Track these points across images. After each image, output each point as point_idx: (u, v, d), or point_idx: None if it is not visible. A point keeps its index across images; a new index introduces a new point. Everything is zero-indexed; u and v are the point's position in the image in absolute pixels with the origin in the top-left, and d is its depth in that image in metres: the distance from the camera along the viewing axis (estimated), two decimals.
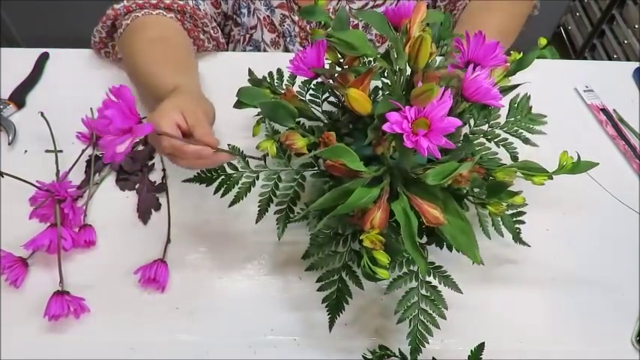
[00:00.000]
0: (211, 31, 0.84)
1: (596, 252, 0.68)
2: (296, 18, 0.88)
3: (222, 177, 0.61)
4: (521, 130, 0.69)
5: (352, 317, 0.60)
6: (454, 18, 0.88)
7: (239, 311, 0.61)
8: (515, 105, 0.70)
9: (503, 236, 0.63)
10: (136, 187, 0.71)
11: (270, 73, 0.71)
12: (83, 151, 0.72)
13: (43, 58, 0.86)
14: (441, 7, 0.89)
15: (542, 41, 0.56)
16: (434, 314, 0.55)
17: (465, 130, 0.66)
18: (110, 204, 0.69)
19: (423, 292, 0.55)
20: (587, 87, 0.87)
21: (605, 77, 0.89)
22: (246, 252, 0.65)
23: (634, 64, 0.92)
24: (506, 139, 0.68)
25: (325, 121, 0.62)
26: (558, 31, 2.12)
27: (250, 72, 0.66)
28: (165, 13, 0.78)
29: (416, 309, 0.55)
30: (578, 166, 0.52)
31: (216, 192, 0.61)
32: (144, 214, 0.68)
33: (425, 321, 0.54)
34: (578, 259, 0.67)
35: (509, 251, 0.66)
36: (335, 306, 0.55)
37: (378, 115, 0.46)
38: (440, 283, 0.56)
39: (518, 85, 0.59)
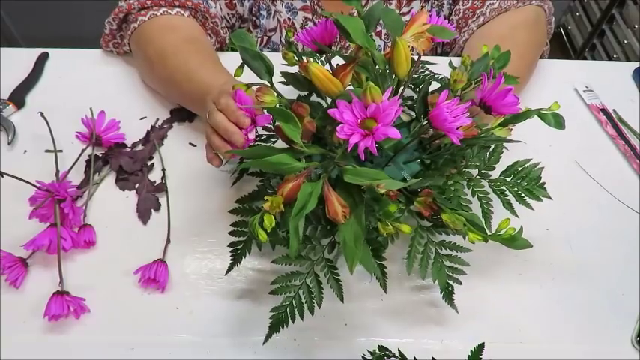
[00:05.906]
0: (221, 31, 0.84)
1: (596, 252, 0.68)
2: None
3: None
4: (508, 195, 0.60)
5: (352, 317, 0.60)
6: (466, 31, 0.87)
7: (239, 311, 0.61)
8: (520, 169, 0.60)
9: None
10: (136, 187, 0.71)
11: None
12: (83, 151, 0.72)
13: (43, 58, 0.86)
14: (454, 21, 0.87)
15: (555, 106, 0.52)
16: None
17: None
18: (110, 204, 0.69)
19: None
20: (586, 87, 0.87)
21: (604, 77, 0.89)
22: None
23: (634, 64, 0.92)
24: (487, 193, 0.60)
25: (327, 103, 0.60)
26: (558, 31, 2.12)
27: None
28: (182, 12, 0.79)
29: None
30: (516, 241, 0.50)
31: None
32: (144, 214, 0.68)
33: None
34: (578, 259, 0.67)
35: (509, 251, 0.66)
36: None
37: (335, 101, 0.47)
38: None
39: (505, 140, 0.53)
